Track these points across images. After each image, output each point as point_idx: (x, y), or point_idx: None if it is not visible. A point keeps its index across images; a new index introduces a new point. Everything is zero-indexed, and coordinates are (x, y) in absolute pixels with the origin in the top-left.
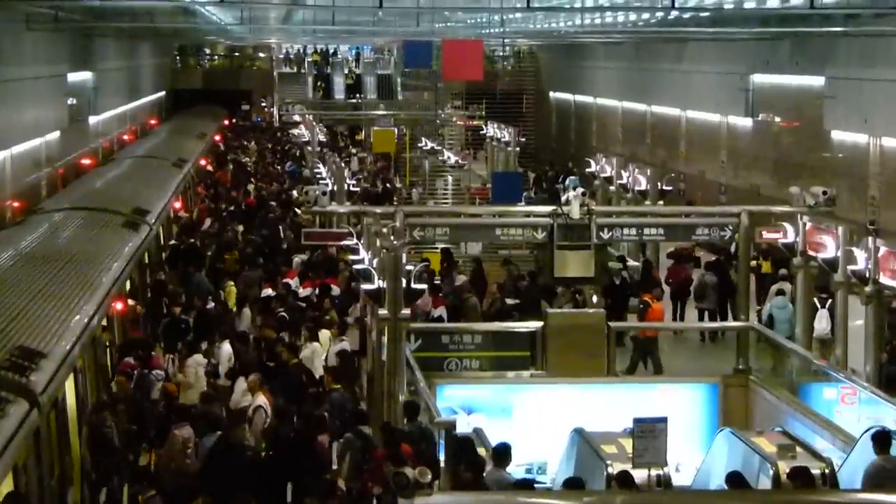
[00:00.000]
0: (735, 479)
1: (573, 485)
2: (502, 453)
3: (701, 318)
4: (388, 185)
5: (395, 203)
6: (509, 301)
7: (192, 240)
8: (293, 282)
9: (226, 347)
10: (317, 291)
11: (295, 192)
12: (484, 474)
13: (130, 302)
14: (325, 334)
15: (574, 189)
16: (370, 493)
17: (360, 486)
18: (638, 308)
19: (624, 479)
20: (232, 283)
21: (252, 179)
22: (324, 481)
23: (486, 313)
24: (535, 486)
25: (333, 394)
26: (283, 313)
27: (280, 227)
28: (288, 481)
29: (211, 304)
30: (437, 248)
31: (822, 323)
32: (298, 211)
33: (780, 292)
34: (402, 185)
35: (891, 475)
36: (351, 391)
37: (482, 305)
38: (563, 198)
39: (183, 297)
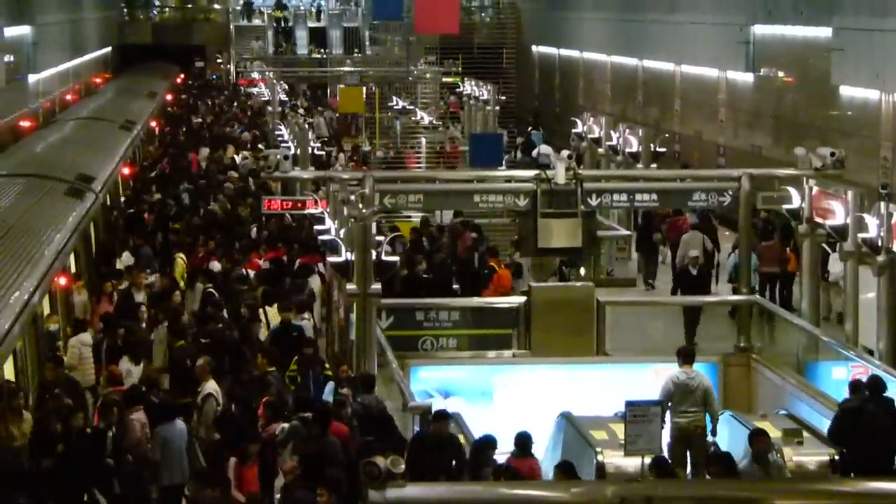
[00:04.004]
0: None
1: (566, 470)
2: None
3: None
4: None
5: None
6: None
7: (132, 210)
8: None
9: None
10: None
11: (237, 157)
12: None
13: None
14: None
15: (541, 143)
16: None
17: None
18: (482, 275)
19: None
20: (182, 255)
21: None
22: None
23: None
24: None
25: (267, 377)
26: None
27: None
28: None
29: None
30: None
31: (836, 267)
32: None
33: None
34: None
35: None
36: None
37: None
38: (534, 152)
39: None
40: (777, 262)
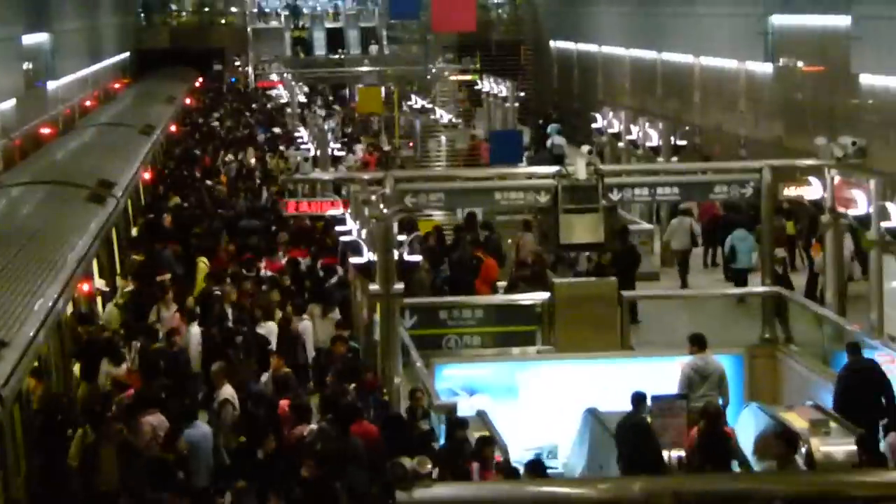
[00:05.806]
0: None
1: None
2: None
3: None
4: None
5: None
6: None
7: (152, 214)
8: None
9: (194, 330)
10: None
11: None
12: None
13: None
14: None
15: (556, 135)
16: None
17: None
18: (471, 265)
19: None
20: (203, 259)
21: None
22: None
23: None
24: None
25: (288, 378)
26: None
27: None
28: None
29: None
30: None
31: None
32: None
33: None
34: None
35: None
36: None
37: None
38: (548, 142)
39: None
40: (780, 243)
